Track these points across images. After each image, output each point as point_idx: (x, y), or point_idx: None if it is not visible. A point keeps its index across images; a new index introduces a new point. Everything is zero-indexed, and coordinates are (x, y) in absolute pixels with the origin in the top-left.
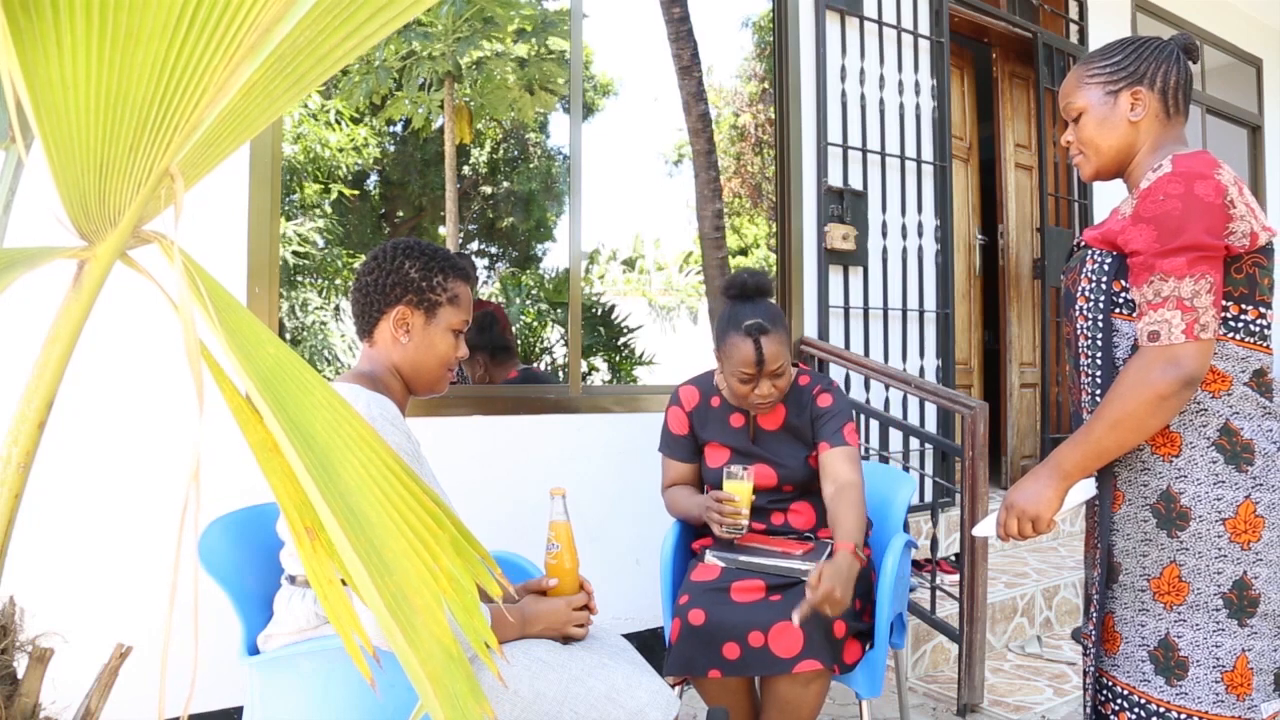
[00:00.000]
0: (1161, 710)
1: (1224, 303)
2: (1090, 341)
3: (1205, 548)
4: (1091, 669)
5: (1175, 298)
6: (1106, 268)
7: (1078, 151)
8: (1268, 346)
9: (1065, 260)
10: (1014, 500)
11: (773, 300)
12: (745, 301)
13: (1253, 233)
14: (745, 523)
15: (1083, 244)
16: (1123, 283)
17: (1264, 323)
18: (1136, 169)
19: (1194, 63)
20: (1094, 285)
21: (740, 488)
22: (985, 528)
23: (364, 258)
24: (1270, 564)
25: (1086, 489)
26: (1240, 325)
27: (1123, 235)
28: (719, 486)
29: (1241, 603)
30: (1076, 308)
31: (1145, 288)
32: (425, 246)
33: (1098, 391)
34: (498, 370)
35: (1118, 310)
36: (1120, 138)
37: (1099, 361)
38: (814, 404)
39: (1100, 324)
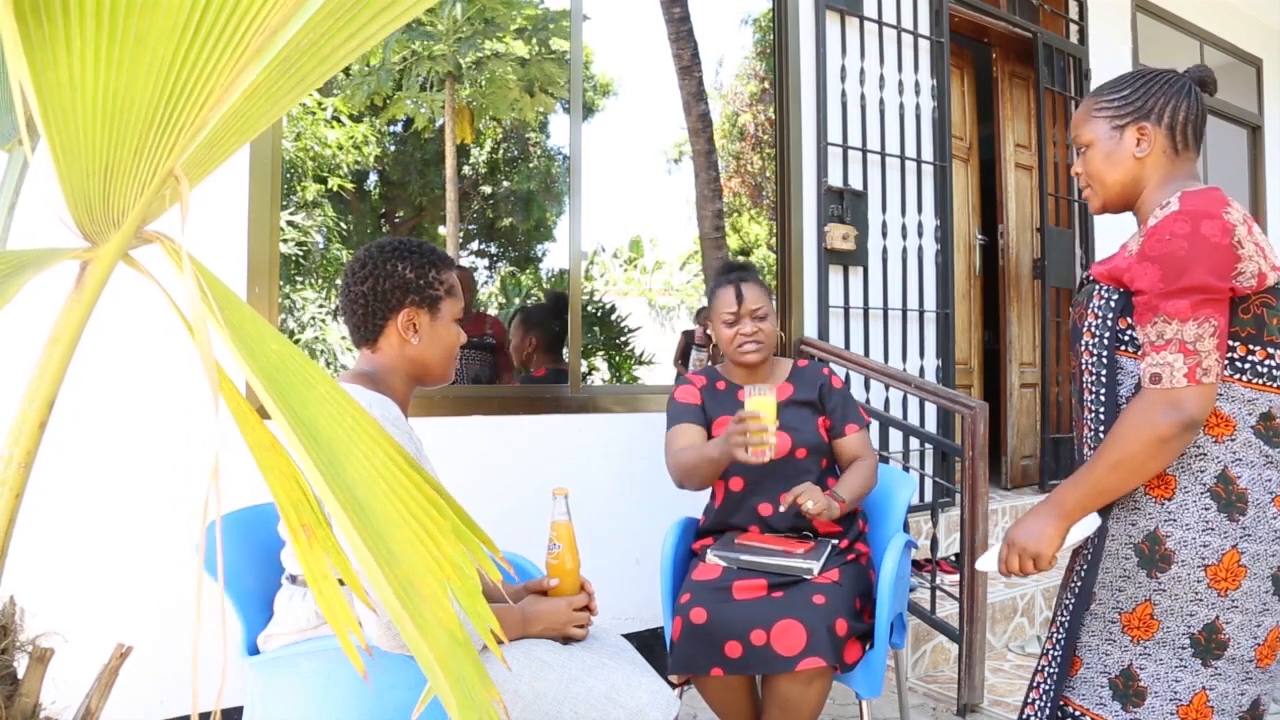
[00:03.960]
0: None
1: (1231, 343)
2: (1095, 378)
3: (1183, 590)
4: (1050, 689)
5: (1178, 340)
6: (1113, 304)
7: (1085, 184)
8: (1278, 388)
9: (1076, 292)
10: (1015, 537)
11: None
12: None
13: (1261, 273)
14: (773, 440)
15: (1091, 278)
16: (1128, 320)
17: (1272, 364)
18: (1145, 204)
19: (1210, 95)
20: (1100, 321)
21: (764, 402)
22: (988, 562)
23: (347, 266)
24: (1245, 611)
25: (1090, 524)
26: (1247, 366)
27: (1128, 273)
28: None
29: (1209, 644)
30: (1083, 343)
31: (1149, 329)
32: (409, 244)
33: (1101, 428)
34: (541, 359)
35: (1122, 348)
36: (1125, 173)
37: (1102, 398)
38: (827, 382)
39: (1105, 360)
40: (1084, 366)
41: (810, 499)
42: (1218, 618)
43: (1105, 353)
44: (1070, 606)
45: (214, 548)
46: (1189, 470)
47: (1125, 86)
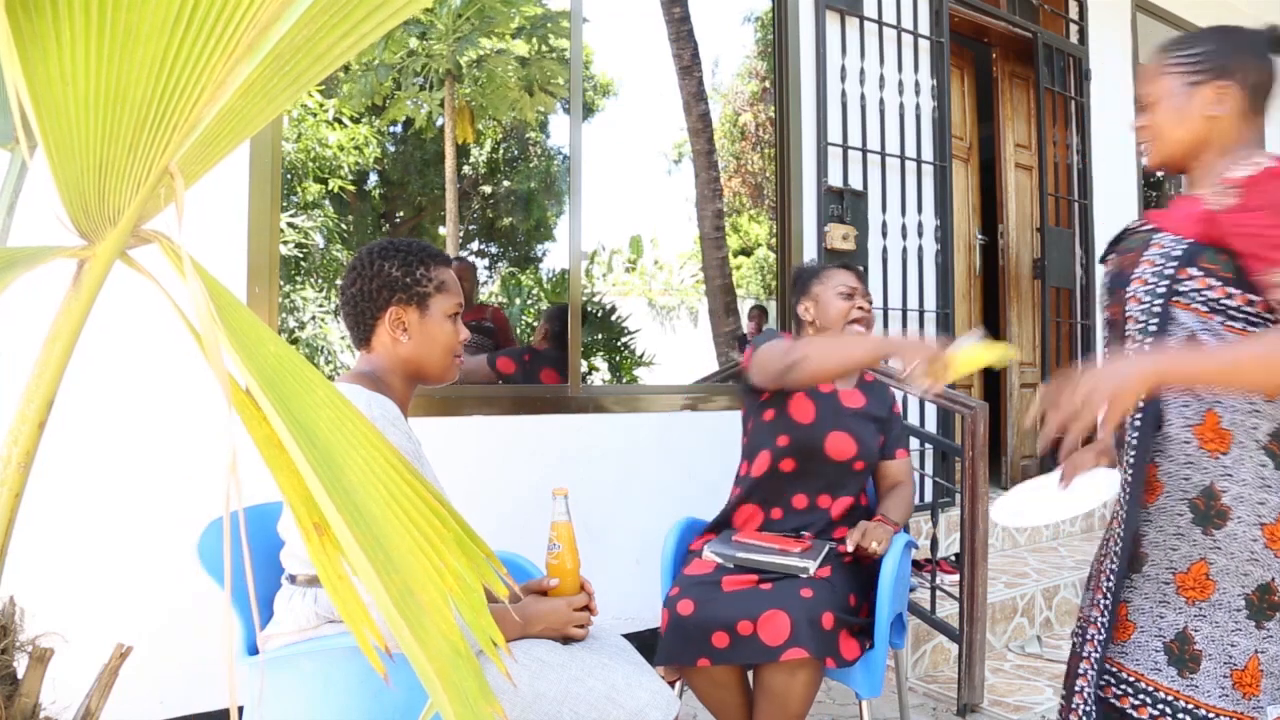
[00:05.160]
0: (1170, 699)
1: None
2: (1142, 326)
3: (1238, 549)
4: (1096, 655)
5: None
6: (1175, 255)
7: (1146, 140)
8: None
9: (1114, 242)
10: (1090, 376)
11: None
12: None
13: None
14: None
15: (1146, 226)
16: (1190, 271)
17: None
18: (1207, 164)
19: (1277, 56)
20: (1157, 271)
21: (976, 356)
22: (1012, 513)
23: (344, 271)
24: None
25: (1109, 486)
26: None
27: (1229, 221)
28: (796, 443)
29: (1262, 605)
30: (1130, 290)
31: (1273, 273)
32: (399, 243)
33: None
34: (547, 346)
35: (1178, 299)
36: (1192, 131)
37: (1149, 348)
38: (891, 406)
39: (1157, 310)
40: (1128, 314)
41: (875, 539)
42: (1274, 579)
43: (1158, 303)
44: (1114, 572)
45: (222, 549)
46: (1242, 426)
47: (1203, 43)
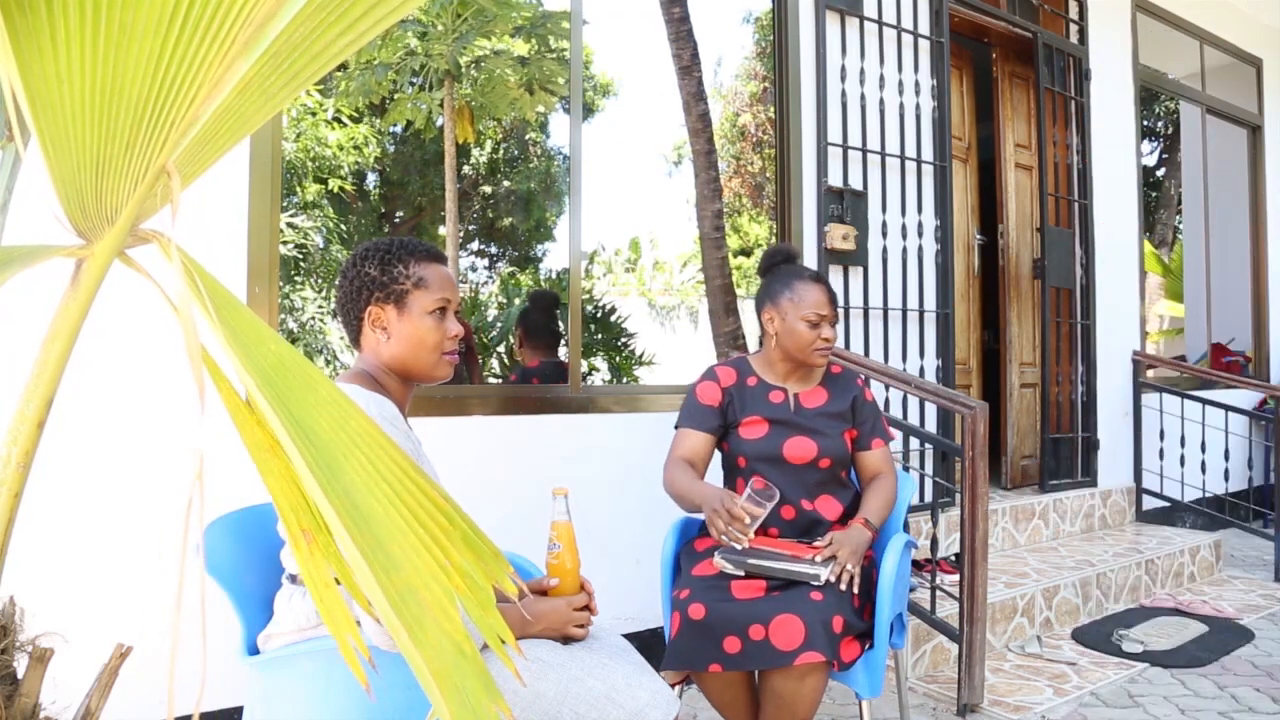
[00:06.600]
0: None
1: None
2: None
3: None
4: None
5: None
6: None
7: None
8: None
9: None
10: None
11: None
12: (790, 263)
13: None
14: (744, 544)
15: None
16: None
17: None
18: None
19: None
20: None
21: (756, 512)
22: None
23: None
24: None
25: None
26: None
27: None
28: (754, 459)
29: None
30: None
31: None
32: (383, 243)
33: None
34: (525, 351)
35: None
36: None
37: None
38: (860, 395)
39: None
40: None
41: (844, 549)
42: None
43: None
44: None
45: (223, 549)
46: None
47: None
